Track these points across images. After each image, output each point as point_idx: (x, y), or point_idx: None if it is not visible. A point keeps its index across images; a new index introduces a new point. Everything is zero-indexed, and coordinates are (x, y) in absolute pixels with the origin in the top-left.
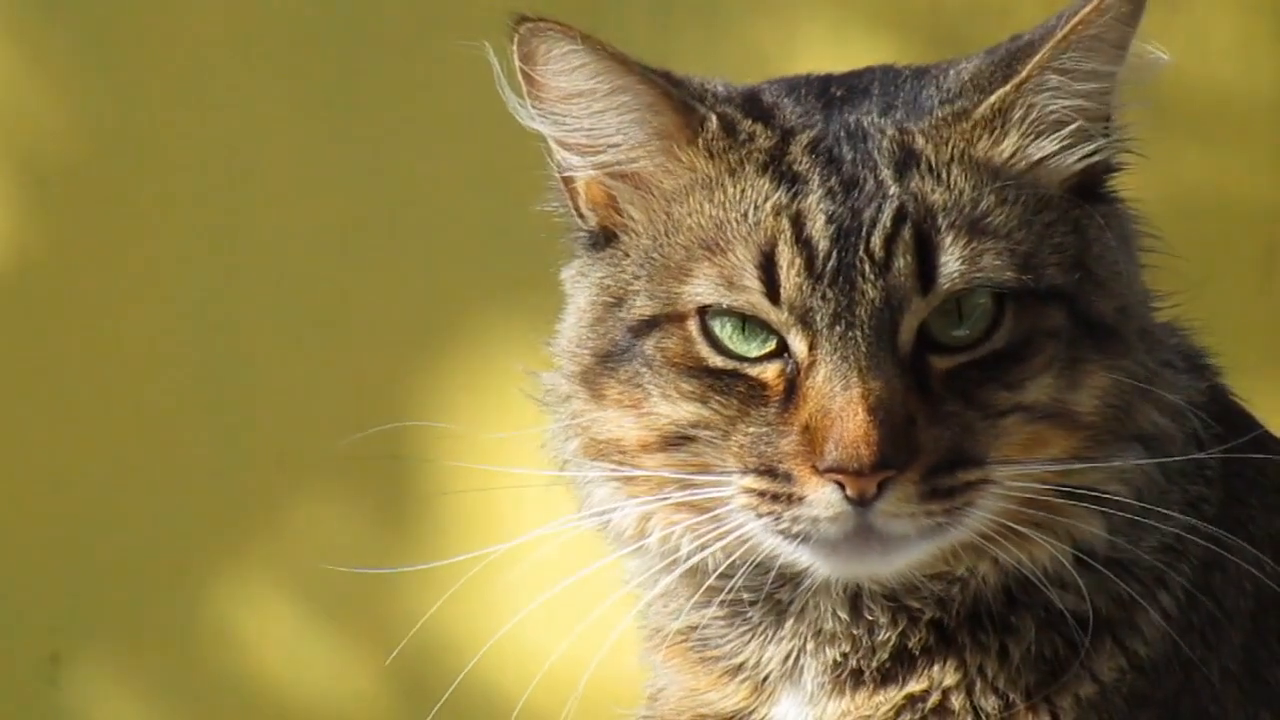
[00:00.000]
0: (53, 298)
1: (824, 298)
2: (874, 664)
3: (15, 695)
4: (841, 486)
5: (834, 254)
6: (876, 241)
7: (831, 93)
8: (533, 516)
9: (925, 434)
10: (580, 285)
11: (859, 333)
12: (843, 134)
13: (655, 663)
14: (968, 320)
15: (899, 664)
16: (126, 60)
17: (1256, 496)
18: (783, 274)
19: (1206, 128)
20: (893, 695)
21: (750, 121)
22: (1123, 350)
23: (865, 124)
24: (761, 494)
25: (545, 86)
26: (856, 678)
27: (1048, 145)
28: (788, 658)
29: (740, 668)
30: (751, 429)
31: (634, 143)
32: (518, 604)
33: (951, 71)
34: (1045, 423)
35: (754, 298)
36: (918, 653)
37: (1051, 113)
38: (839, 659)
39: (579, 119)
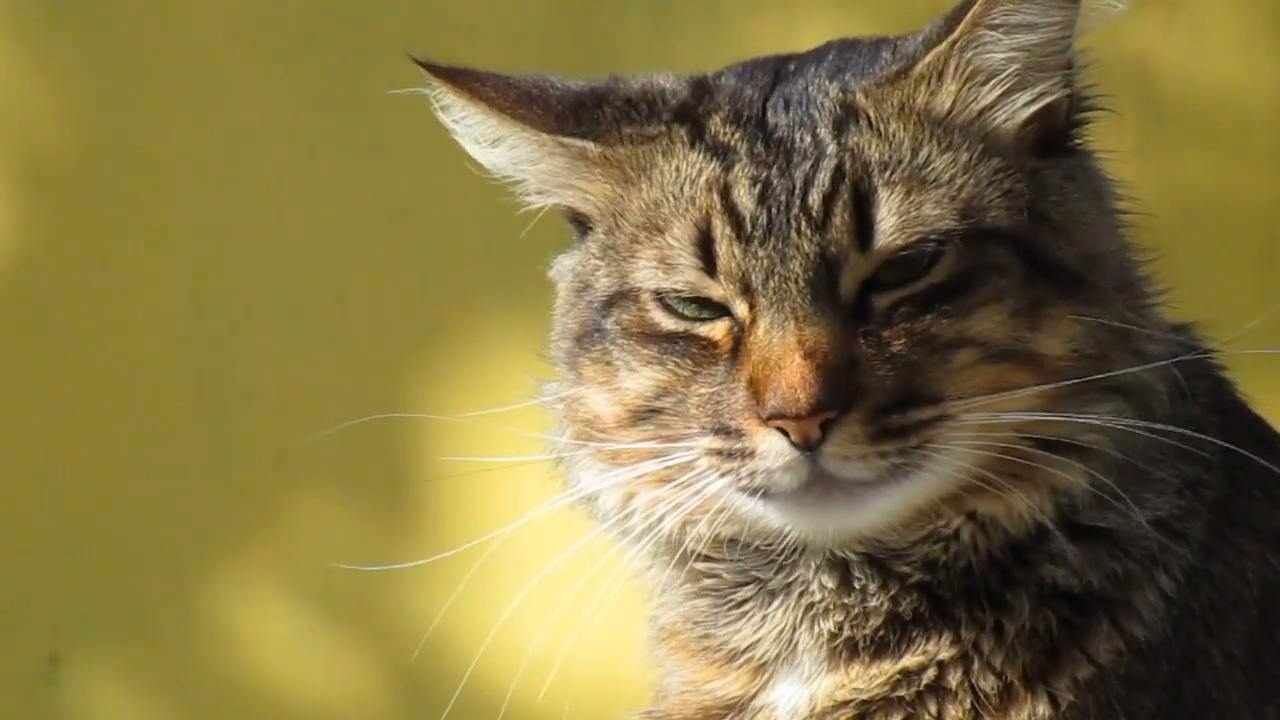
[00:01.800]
0: (52, 297)
1: (756, 257)
2: (867, 631)
3: (15, 695)
4: (786, 434)
5: (762, 215)
6: (814, 199)
7: (786, 68)
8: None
9: (869, 375)
10: (562, 278)
11: (793, 285)
12: (780, 102)
13: (659, 658)
14: (911, 259)
15: (892, 632)
16: (126, 60)
17: (1261, 489)
18: (717, 246)
19: (1206, 128)
20: (887, 668)
21: (655, 124)
22: (1094, 297)
23: (810, 89)
24: (719, 453)
25: (462, 129)
26: (851, 648)
27: (988, 94)
28: (780, 635)
29: (737, 653)
30: (704, 389)
31: (552, 172)
32: (520, 604)
33: (909, 36)
34: (1007, 363)
35: (691, 275)
36: (909, 618)
37: (989, 65)
38: (833, 630)
39: (501, 153)
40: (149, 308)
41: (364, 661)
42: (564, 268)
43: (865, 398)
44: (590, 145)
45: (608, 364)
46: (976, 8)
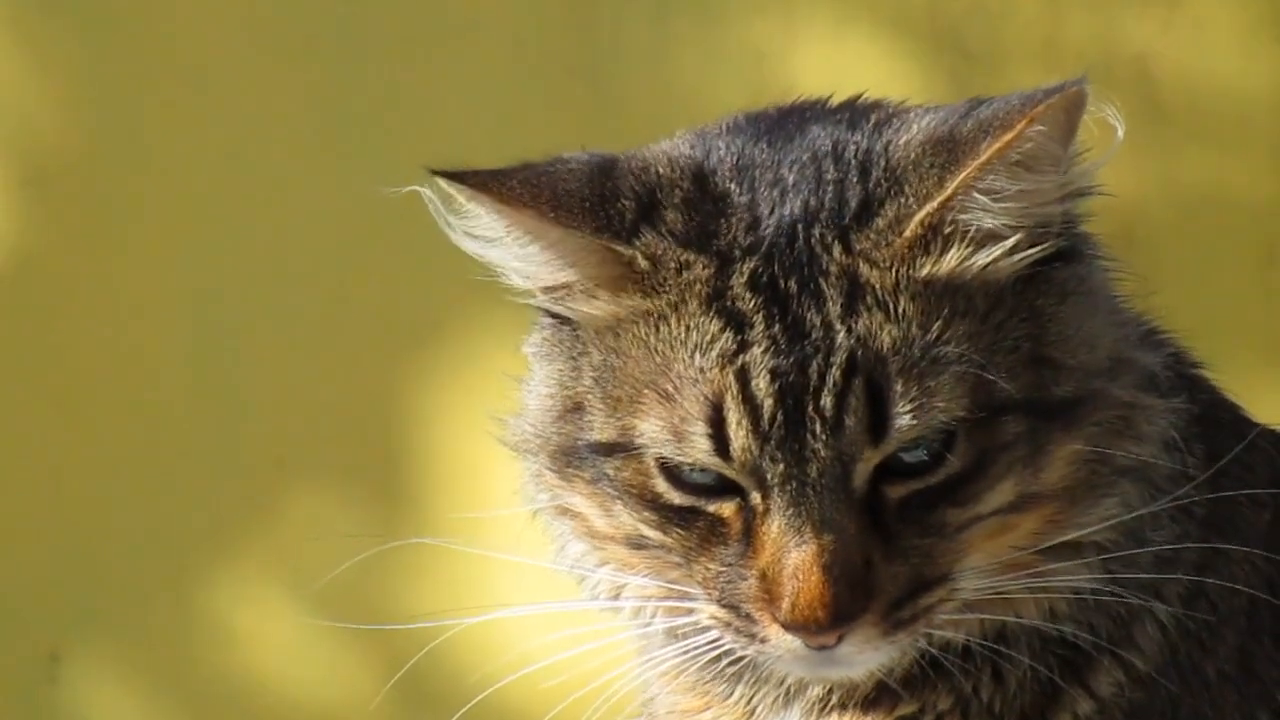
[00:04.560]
0: (51, 297)
1: (773, 459)
2: (857, 698)
3: (15, 693)
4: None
5: (779, 414)
6: (827, 400)
7: (781, 175)
8: (532, 534)
9: (883, 573)
10: (541, 365)
11: (810, 490)
12: (789, 252)
13: (646, 678)
14: (923, 444)
15: (884, 693)
16: (126, 60)
17: (1244, 493)
18: (730, 432)
19: (1206, 126)
20: (883, 717)
21: (682, 250)
22: (1090, 408)
23: (813, 240)
24: (728, 624)
25: (470, 227)
26: (843, 705)
27: (991, 252)
28: (776, 699)
29: (730, 700)
30: (712, 565)
31: (565, 276)
32: (520, 602)
33: (903, 139)
34: (1011, 514)
35: (702, 455)
36: (901, 685)
37: (986, 226)
38: (822, 695)
39: (506, 254)
40: (148, 307)
41: (363, 661)
42: (550, 362)
43: (879, 597)
44: (637, 256)
45: (603, 492)
46: (967, 173)
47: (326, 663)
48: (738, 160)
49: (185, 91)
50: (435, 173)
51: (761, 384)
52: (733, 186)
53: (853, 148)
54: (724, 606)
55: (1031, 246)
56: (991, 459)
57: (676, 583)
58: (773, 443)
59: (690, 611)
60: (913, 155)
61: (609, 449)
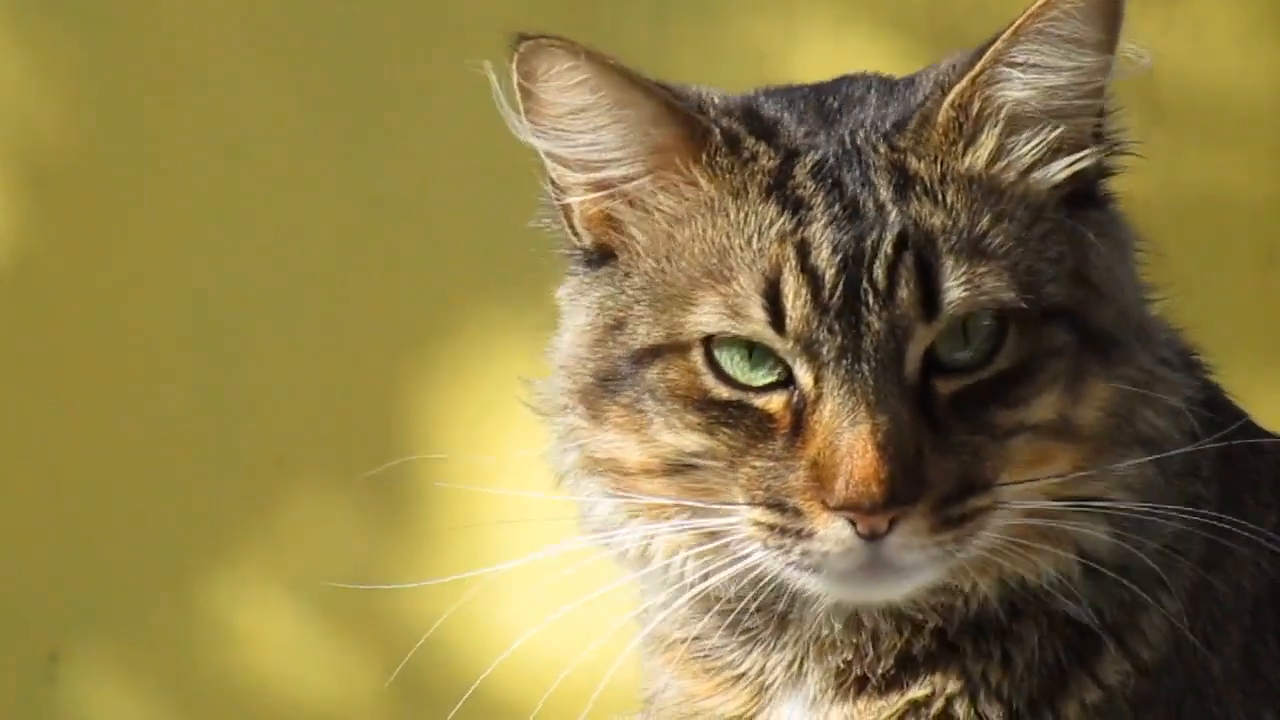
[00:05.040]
0: (51, 298)
1: (830, 330)
2: (879, 671)
3: (14, 693)
4: (853, 523)
5: (840, 284)
6: (879, 271)
7: (828, 105)
8: (537, 526)
9: (934, 465)
10: (578, 304)
11: (866, 365)
12: (841, 153)
13: (653, 667)
14: (973, 341)
15: (903, 670)
16: (126, 60)
17: (1250, 494)
18: (788, 304)
19: (1206, 126)
20: (895, 701)
21: (754, 139)
22: (1123, 356)
23: (860, 140)
24: (770, 527)
25: (546, 103)
26: (861, 684)
27: (1025, 148)
28: (791, 665)
29: (742, 676)
30: (758, 462)
31: (635, 158)
32: (520, 603)
33: (932, 71)
34: (1051, 439)
35: (759, 327)
36: (922, 660)
37: (1015, 97)
38: (842, 666)
39: (580, 134)
40: (148, 307)
41: (364, 661)
42: (586, 296)
43: (930, 490)
44: (715, 129)
45: (640, 413)
46: (997, 45)
47: (326, 663)
48: (785, 97)
49: (185, 91)
50: (526, 37)
51: (824, 254)
52: (785, 115)
53: (891, 83)
54: (769, 507)
55: (1071, 153)
56: (1040, 364)
57: (713, 502)
58: (831, 314)
59: (723, 549)
60: (941, 78)
61: (654, 353)
